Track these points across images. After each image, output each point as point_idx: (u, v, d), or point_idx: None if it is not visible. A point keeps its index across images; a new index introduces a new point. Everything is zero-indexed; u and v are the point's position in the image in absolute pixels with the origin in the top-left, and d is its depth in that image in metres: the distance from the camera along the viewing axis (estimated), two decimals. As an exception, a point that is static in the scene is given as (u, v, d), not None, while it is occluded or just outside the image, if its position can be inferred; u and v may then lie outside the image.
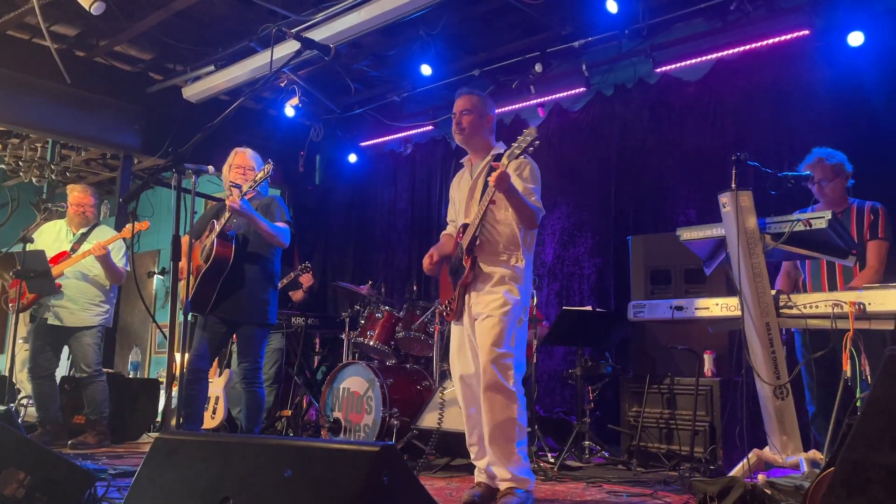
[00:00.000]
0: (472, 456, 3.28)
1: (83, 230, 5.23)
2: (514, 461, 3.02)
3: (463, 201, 3.37)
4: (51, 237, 5.23)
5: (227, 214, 3.96)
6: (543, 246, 6.23)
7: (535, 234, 3.32)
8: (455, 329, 3.33)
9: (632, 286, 4.88)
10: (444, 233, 3.55)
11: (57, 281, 5.04)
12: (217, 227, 4.02)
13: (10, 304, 5.10)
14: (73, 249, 5.11)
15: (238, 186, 3.99)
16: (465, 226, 3.25)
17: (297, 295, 6.39)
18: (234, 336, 4.36)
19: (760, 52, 5.12)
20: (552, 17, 5.61)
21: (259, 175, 3.85)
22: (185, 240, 3.27)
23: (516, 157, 3.04)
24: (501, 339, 3.05)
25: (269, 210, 4.18)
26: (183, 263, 4.01)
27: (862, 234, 3.76)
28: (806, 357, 3.75)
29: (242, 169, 4.20)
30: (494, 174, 2.99)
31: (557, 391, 5.95)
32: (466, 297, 3.22)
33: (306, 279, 6.17)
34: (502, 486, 3.02)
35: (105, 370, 5.36)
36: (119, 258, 5.11)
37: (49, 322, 5.05)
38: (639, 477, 4.01)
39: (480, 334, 3.10)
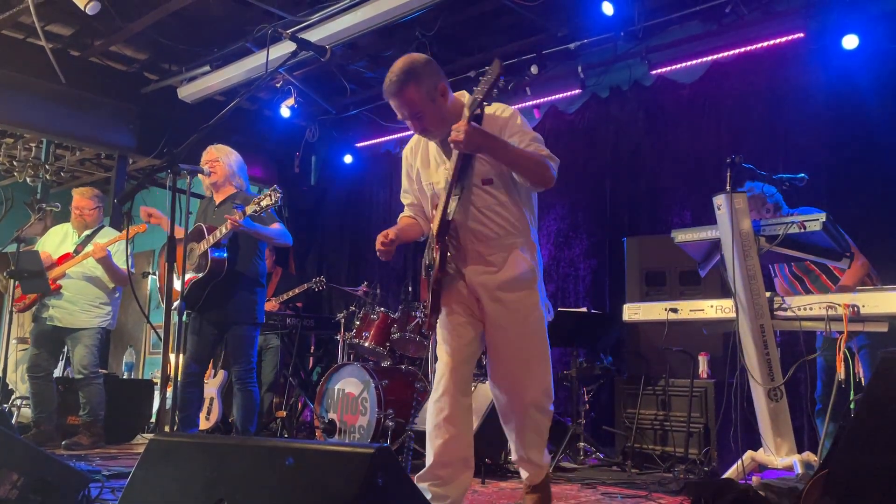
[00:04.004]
0: None
1: (87, 232, 5.24)
2: None
3: (430, 177, 2.68)
4: (57, 239, 5.26)
5: (223, 228, 3.97)
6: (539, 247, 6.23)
7: (535, 211, 2.71)
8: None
9: (627, 288, 4.89)
10: (402, 215, 2.90)
11: (58, 282, 5.04)
12: (210, 239, 4.03)
13: (15, 304, 5.11)
14: (77, 251, 5.11)
15: (241, 207, 4.00)
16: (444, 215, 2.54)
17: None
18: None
19: (755, 54, 5.13)
20: (548, 18, 5.62)
21: (265, 202, 3.84)
22: (179, 232, 3.27)
23: (481, 104, 2.38)
24: (532, 359, 2.66)
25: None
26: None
27: None
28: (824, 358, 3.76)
29: (211, 162, 4.26)
30: (454, 133, 2.36)
31: (552, 392, 5.94)
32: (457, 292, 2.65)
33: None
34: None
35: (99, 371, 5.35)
36: (122, 260, 5.11)
37: (49, 322, 5.04)
38: (633, 478, 4.02)
39: (509, 353, 2.66)
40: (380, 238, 2.71)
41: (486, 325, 2.67)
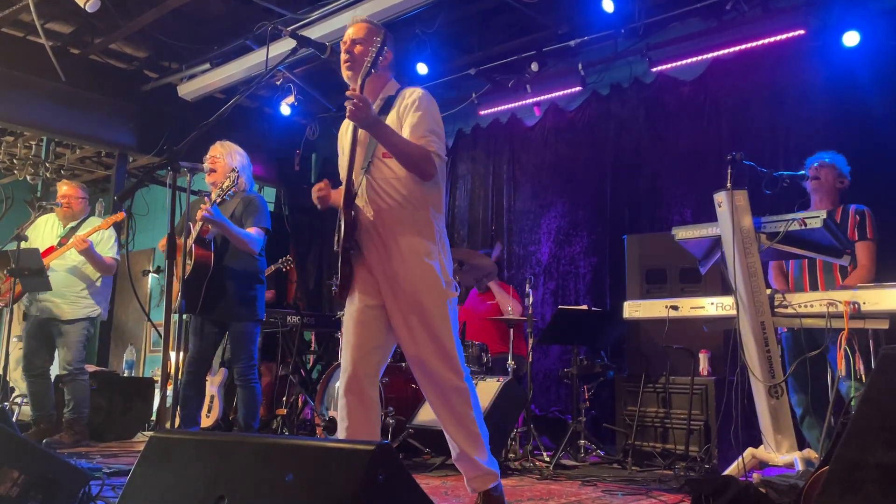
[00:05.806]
0: None
1: (72, 224, 5.20)
2: None
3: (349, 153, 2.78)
4: (40, 232, 5.20)
5: (199, 221, 3.96)
6: (539, 245, 6.24)
7: (440, 191, 2.74)
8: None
9: (627, 285, 4.89)
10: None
11: None
12: (193, 233, 4.03)
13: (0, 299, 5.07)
14: (60, 243, 5.08)
15: (208, 195, 4.01)
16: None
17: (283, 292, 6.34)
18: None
19: (756, 51, 5.13)
20: (548, 16, 5.62)
21: (226, 183, 3.86)
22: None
23: (367, 73, 2.58)
24: (435, 337, 2.62)
25: (248, 208, 4.20)
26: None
27: (847, 235, 3.79)
28: (792, 359, 3.76)
29: (212, 159, 4.24)
30: (347, 102, 2.47)
31: (553, 390, 5.95)
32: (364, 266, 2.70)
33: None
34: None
35: (99, 369, 5.34)
36: (107, 249, 5.06)
37: (40, 318, 5.01)
38: (634, 476, 4.02)
39: (410, 334, 2.63)
40: (314, 190, 2.87)
41: (387, 309, 2.67)
